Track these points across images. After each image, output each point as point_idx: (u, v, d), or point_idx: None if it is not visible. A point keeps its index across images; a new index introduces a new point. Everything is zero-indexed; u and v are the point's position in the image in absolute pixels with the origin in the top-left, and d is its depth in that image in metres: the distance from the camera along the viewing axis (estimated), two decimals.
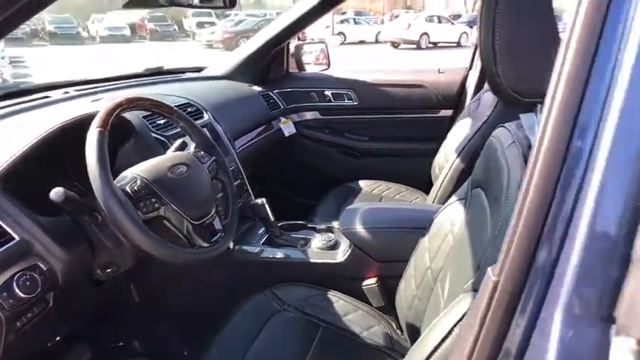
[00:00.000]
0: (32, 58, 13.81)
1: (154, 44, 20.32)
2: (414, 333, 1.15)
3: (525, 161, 0.80)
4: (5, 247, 0.94)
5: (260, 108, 2.18)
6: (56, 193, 0.97)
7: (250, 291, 1.37)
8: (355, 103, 2.37)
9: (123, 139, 1.34)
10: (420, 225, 1.27)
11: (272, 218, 1.56)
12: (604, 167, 0.39)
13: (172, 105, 1.27)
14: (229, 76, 2.24)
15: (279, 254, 1.52)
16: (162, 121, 1.47)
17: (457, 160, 1.60)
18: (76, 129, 1.12)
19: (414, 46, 17.82)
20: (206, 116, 1.72)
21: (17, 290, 0.93)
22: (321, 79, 2.44)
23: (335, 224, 1.60)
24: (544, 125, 0.43)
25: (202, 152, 1.26)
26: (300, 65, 2.48)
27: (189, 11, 21.94)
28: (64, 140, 1.16)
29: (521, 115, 0.95)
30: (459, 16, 22.95)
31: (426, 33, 17.91)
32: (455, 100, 2.25)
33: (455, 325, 0.76)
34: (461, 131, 1.76)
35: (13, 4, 0.67)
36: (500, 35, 1.25)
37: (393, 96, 2.32)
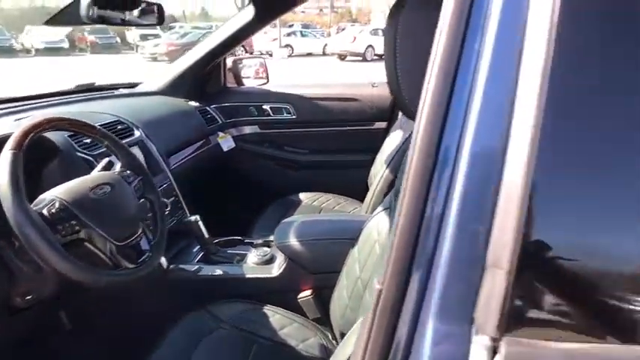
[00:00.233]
0: None
1: (95, 57, 19.66)
2: None
3: None
4: None
5: (196, 123, 2.16)
6: None
7: (186, 310, 1.35)
8: (294, 116, 2.39)
9: (46, 159, 1.30)
10: (353, 235, 1.30)
11: (206, 235, 1.55)
12: (464, 178, 0.43)
13: (98, 123, 1.25)
14: (164, 92, 2.21)
15: (215, 271, 1.51)
16: (88, 140, 1.43)
17: (386, 171, 1.66)
18: None
19: (360, 58, 18.23)
20: (137, 133, 1.69)
21: None
22: (260, 93, 2.46)
23: (272, 238, 1.61)
24: (415, 139, 0.47)
25: (128, 171, 1.23)
26: (238, 79, 2.48)
27: None
28: None
29: None
30: None
31: (371, 45, 18.36)
32: (388, 113, 2.32)
33: None
34: (392, 143, 1.82)
35: None
36: (401, 58, 1.32)
37: (330, 109, 2.37)
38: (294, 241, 1.46)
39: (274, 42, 20.96)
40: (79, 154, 1.37)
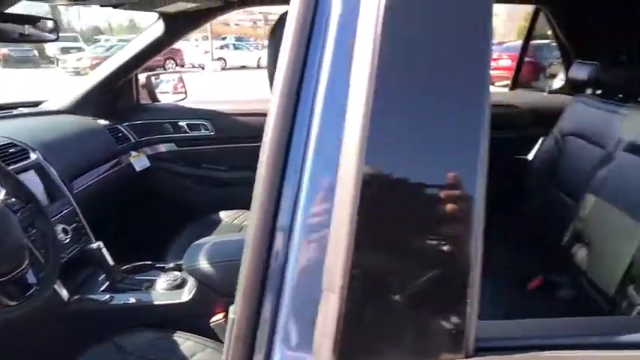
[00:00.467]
0: None
1: (8, 71, 18.41)
2: None
3: None
4: None
5: (106, 143, 2.06)
6: None
7: (91, 343, 1.26)
8: (212, 133, 2.34)
9: None
10: None
11: (111, 262, 1.46)
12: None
13: None
14: (70, 110, 2.09)
15: (121, 300, 1.43)
16: None
17: None
18: None
19: None
20: (34, 156, 1.57)
21: None
22: (176, 109, 2.38)
23: None
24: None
25: (14, 199, 1.14)
26: (152, 96, 2.40)
27: None
28: None
29: None
30: None
31: None
32: None
33: None
34: None
35: None
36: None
37: (249, 125, 2.34)
38: (203, 264, 1.41)
39: (207, 55, 20.65)
40: None
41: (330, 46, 0.46)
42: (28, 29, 1.48)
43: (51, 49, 22.01)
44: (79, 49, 20.49)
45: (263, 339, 0.45)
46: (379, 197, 0.43)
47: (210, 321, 1.40)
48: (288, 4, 0.47)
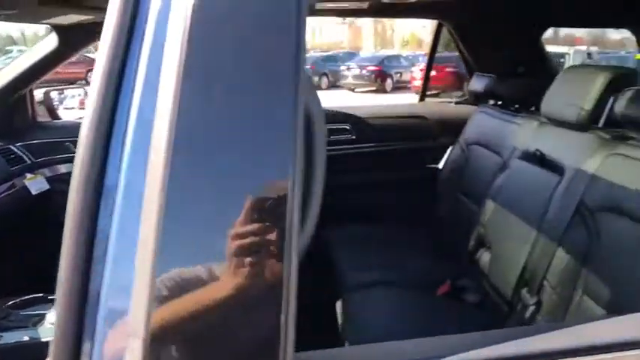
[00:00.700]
0: None
1: None
2: None
3: None
4: None
5: None
6: None
7: None
8: None
9: None
10: None
11: None
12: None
13: None
14: None
15: (5, 339, 1.30)
16: None
17: None
18: None
19: None
20: None
21: None
22: (79, 127, 2.24)
23: None
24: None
25: None
26: (52, 113, 2.24)
27: None
28: None
29: None
30: None
31: None
32: None
33: None
34: None
35: None
36: None
37: None
38: None
39: None
40: None
41: (147, 45, 0.44)
42: None
43: None
44: None
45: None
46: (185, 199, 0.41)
47: None
48: None
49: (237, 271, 0.41)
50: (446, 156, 2.27)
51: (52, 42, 1.89)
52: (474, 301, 1.68)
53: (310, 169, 0.58)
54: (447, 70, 9.03)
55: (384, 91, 13.60)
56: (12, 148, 2.03)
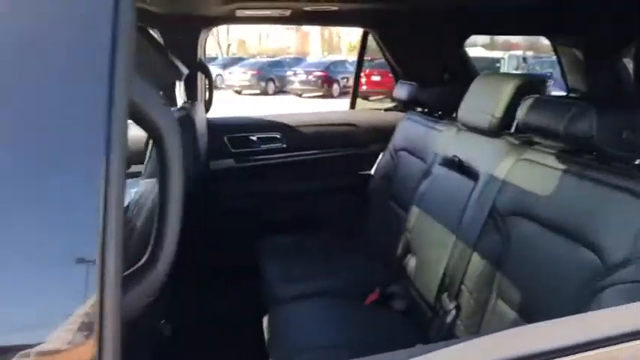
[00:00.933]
0: None
1: None
2: None
3: None
4: None
5: None
6: None
7: None
8: None
9: None
10: None
11: None
12: None
13: None
14: None
15: None
16: None
17: None
18: None
19: None
20: None
21: None
22: None
23: None
24: None
25: None
26: None
27: None
28: None
29: None
30: (215, 58, 23.73)
31: None
32: None
33: None
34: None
35: None
36: None
37: None
38: None
39: None
40: None
41: None
42: None
43: None
44: None
45: None
46: None
47: None
48: None
49: None
50: (377, 162, 2.28)
51: None
52: (401, 308, 1.68)
53: (163, 197, 0.54)
54: (391, 75, 9.19)
55: (331, 96, 13.69)
56: None
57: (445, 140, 1.77)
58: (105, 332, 0.38)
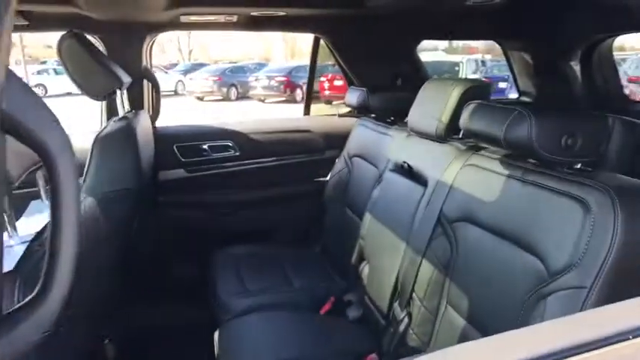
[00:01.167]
0: None
1: None
2: None
3: None
4: None
5: None
6: None
7: None
8: None
9: None
10: None
11: None
12: None
13: None
14: None
15: None
16: None
17: None
18: None
19: None
20: None
21: None
22: None
23: None
24: None
25: None
26: None
27: None
28: None
29: None
30: (176, 64, 23.35)
31: None
32: None
33: None
34: None
35: None
36: None
37: None
38: None
39: None
40: None
41: None
42: None
43: None
44: None
45: None
46: None
47: None
48: None
49: None
50: (333, 169, 2.26)
51: None
52: (356, 316, 1.66)
53: (55, 224, 0.48)
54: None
55: (295, 101, 13.65)
56: None
57: (396, 146, 1.76)
58: None
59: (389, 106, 1.99)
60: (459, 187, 1.30)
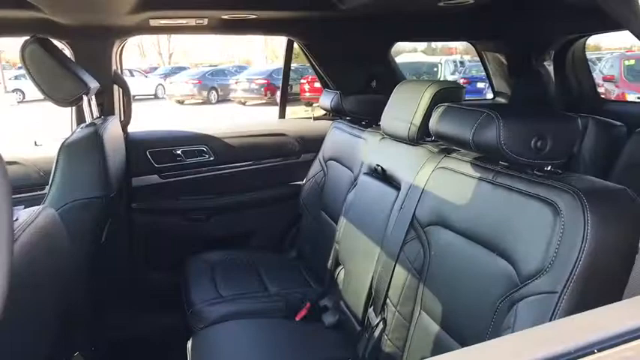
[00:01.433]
0: None
1: None
2: None
3: None
4: None
5: None
6: None
7: None
8: None
9: None
10: None
11: None
12: None
13: None
14: None
15: None
16: None
17: None
18: None
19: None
20: None
21: None
22: None
23: None
24: None
25: None
26: None
27: None
28: None
29: None
30: (156, 68, 23.09)
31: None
32: None
33: None
34: None
35: None
36: None
37: None
38: None
39: None
40: None
41: None
42: None
43: None
44: None
45: None
46: None
47: None
48: None
49: None
50: (309, 172, 2.23)
51: None
52: (332, 322, 1.64)
53: None
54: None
55: (275, 104, 13.52)
56: None
57: (370, 149, 1.74)
58: None
59: (363, 108, 1.98)
60: (431, 190, 1.29)
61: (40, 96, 1.61)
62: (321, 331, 1.62)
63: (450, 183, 1.23)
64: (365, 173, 1.69)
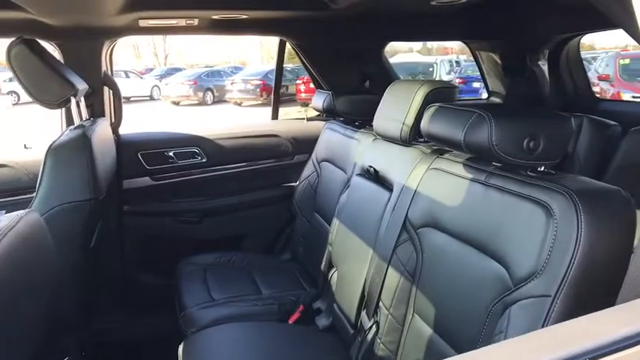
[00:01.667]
0: None
1: None
2: None
3: None
4: None
5: None
6: None
7: None
8: None
9: None
10: None
11: None
12: None
13: None
14: None
15: None
16: None
17: None
18: None
19: None
20: None
21: None
22: None
23: None
24: None
25: None
26: None
27: None
28: None
29: None
30: (152, 69, 23.04)
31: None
32: None
33: None
34: None
35: None
36: None
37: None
38: None
39: None
40: None
41: None
42: None
43: None
44: None
45: None
46: None
47: None
48: None
49: None
50: (302, 173, 2.22)
51: None
52: (325, 325, 1.62)
53: None
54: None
55: (271, 104, 13.57)
56: None
57: (362, 149, 1.73)
58: None
59: (356, 108, 1.96)
60: (423, 191, 1.27)
61: None
62: (315, 334, 1.60)
63: (442, 184, 1.21)
64: (358, 174, 1.67)
